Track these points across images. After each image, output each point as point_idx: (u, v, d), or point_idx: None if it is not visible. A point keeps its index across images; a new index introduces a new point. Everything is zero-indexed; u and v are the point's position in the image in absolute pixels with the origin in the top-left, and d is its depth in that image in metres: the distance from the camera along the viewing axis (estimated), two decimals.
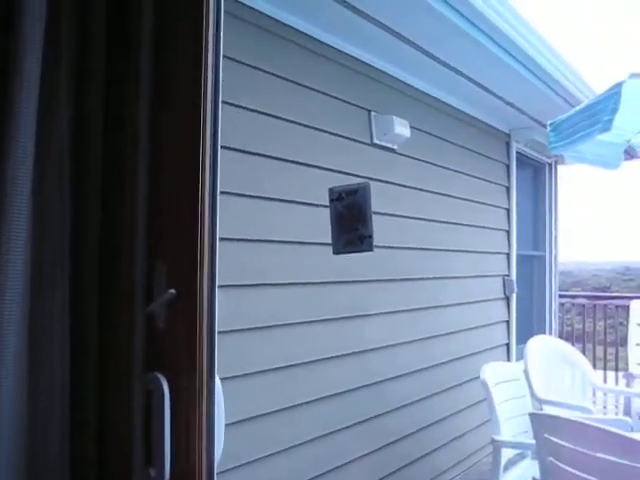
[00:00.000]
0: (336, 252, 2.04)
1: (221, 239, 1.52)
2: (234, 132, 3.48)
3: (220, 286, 1.51)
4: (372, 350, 4.66)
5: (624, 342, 7.65)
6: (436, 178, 5.55)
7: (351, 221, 2.02)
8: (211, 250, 1.45)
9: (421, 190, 5.31)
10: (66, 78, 1.42)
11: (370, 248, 2.00)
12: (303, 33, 4.00)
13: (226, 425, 2.07)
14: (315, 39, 4.11)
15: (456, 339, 5.83)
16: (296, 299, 3.97)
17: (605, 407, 8.42)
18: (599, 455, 3.14)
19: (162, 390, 1.41)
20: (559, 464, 3.32)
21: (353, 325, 4.47)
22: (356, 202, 2.02)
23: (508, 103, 5.91)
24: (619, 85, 4.07)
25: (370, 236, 2.00)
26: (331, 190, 2.05)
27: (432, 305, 5.48)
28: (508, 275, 6.95)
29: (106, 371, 1.47)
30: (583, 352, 7.84)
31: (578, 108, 4.61)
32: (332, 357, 4.24)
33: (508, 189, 7.01)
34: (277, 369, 3.79)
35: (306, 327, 4.03)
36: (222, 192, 1.54)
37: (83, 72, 1.45)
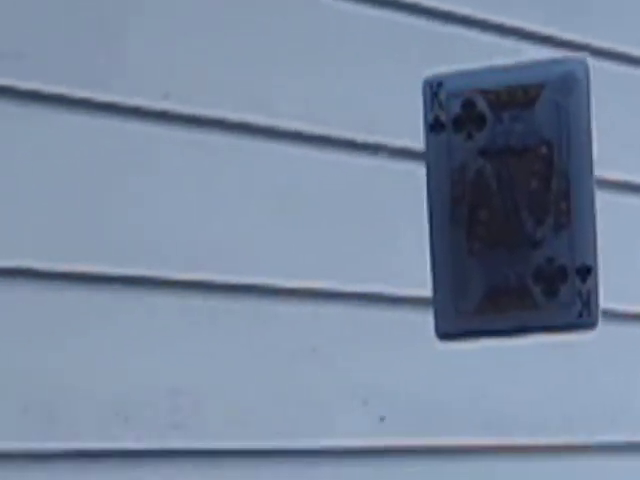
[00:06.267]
0: (444, 333, 0.52)
1: None
2: None
3: None
4: None
5: None
6: None
7: (513, 206, 0.52)
8: None
9: None
10: None
11: (591, 321, 0.50)
12: None
13: None
14: None
15: None
16: None
17: None
18: None
19: None
20: None
21: None
22: (532, 135, 0.52)
23: None
24: None
25: (589, 270, 0.50)
26: (433, 84, 0.53)
27: None
28: None
29: None
30: None
31: None
32: None
33: None
34: None
35: None
36: None
37: None
